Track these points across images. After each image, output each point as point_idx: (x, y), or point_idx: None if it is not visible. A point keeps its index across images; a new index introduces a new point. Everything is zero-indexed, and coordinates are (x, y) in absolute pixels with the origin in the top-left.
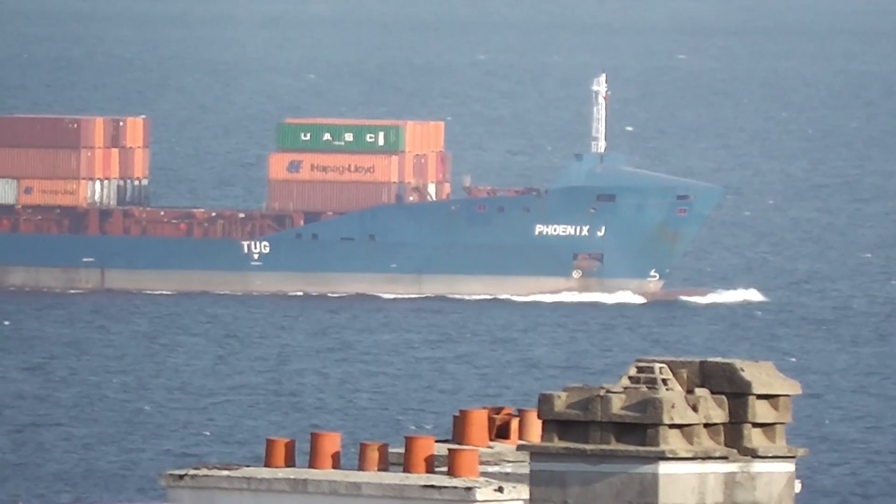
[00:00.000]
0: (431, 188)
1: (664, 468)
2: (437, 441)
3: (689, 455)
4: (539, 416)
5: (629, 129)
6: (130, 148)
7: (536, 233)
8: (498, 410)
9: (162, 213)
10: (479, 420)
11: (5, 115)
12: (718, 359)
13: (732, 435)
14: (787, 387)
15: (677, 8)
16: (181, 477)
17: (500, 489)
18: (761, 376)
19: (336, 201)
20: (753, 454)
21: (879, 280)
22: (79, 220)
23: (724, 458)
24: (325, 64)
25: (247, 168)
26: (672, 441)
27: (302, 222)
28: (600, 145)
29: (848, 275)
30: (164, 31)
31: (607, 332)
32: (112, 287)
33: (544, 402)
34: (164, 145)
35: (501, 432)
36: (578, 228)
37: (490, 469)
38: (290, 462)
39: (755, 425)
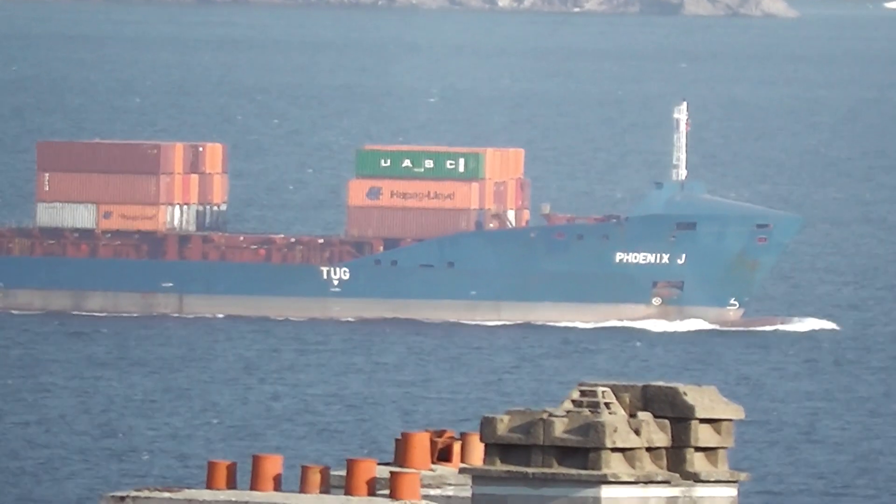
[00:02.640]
0: (511, 215)
1: (606, 492)
2: (379, 464)
3: (631, 479)
4: (481, 440)
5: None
6: (209, 174)
7: (616, 260)
8: (440, 433)
9: (241, 238)
10: (421, 443)
11: (86, 141)
12: (661, 383)
13: (675, 459)
14: (729, 411)
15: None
16: (122, 499)
17: None
18: (704, 401)
19: (415, 228)
20: (695, 478)
21: None
22: (158, 246)
23: (666, 482)
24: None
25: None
26: (614, 465)
27: (381, 249)
28: (681, 173)
29: None
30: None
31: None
32: (191, 312)
33: (487, 425)
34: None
35: (443, 455)
36: (659, 256)
37: (432, 492)
38: (231, 484)
39: (697, 449)
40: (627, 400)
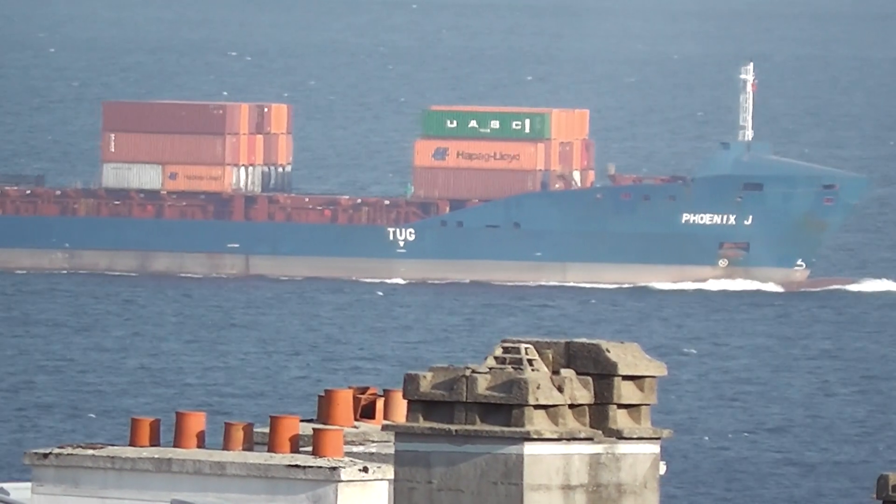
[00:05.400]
0: (576, 176)
1: (529, 449)
2: (302, 421)
3: (554, 436)
4: (404, 397)
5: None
6: (275, 134)
7: (682, 221)
8: (363, 390)
9: (306, 199)
10: (344, 400)
11: (151, 102)
12: (584, 339)
13: (598, 416)
14: (652, 368)
15: None
16: (45, 456)
17: (365, 469)
18: (627, 357)
19: (481, 189)
20: (618, 435)
21: None
22: (223, 206)
23: (589, 439)
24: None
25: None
26: (537, 422)
27: (447, 209)
28: (747, 134)
29: None
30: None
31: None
32: (257, 273)
33: (410, 382)
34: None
35: (367, 412)
36: (725, 217)
37: (355, 449)
38: (154, 441)
39: (620, 406)
40: (550, 357)
